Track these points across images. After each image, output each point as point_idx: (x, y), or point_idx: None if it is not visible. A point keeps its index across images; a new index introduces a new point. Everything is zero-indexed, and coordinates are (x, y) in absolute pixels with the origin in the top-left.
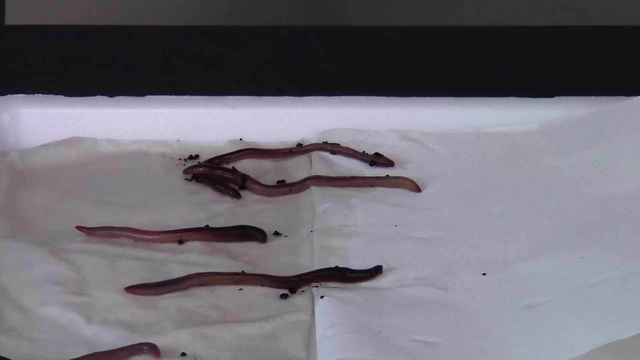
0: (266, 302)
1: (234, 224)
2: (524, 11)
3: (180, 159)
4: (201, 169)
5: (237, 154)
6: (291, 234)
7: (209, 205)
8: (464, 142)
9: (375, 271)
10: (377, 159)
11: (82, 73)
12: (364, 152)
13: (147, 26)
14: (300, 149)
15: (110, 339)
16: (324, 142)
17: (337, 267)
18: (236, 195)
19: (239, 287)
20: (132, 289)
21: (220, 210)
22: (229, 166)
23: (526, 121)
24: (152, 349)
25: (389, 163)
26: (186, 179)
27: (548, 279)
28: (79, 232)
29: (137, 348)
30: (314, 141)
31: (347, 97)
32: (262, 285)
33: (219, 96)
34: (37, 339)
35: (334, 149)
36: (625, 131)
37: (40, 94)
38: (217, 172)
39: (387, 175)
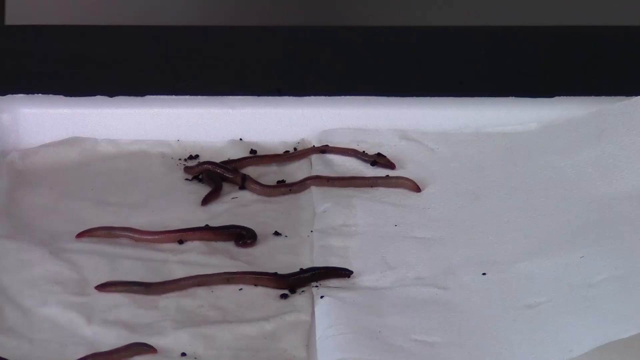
0: (266, 302)
1: (233, 224)
2: (524, 11)
3: (180, 159)
4: (202, 166)
5: (241, 161)
6: (291, 234)
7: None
8: (464, 142)
9: (344, 272)
10: (379, 159)
11: (82, 73)
12: (364, 152)
13: (147, 26)
14: (298, 152)
15: (110, 339)
16: (324, 145)
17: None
18: (213, 192)
19: (237, 287)
20: (103, 287)
21: (220, 210)
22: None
23: (526, 121)
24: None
25: (390, 165)
26: (186, 179)
27: (548, 279)
28: (79, 231)
29: (137, 348)
30: (314, 141)
31: (347, 97)
32: (255, 286)
33: (219, 96)
34: (37, 339)
35: (334, 152)
36: (625, 131)
37: (40, 94)
38: (217, 171)
39: (387, 175)
